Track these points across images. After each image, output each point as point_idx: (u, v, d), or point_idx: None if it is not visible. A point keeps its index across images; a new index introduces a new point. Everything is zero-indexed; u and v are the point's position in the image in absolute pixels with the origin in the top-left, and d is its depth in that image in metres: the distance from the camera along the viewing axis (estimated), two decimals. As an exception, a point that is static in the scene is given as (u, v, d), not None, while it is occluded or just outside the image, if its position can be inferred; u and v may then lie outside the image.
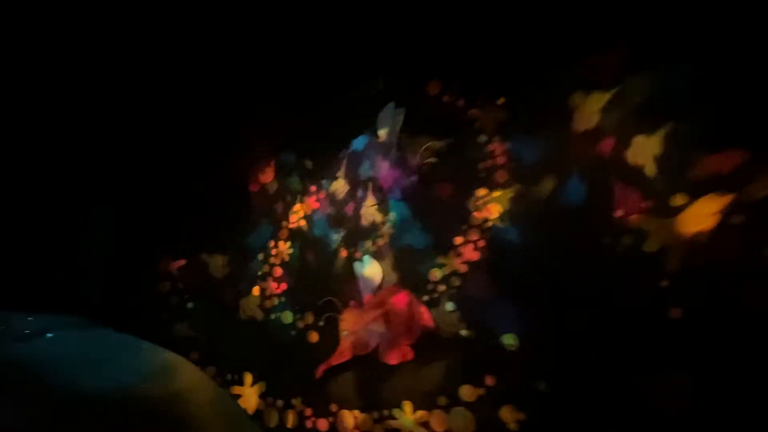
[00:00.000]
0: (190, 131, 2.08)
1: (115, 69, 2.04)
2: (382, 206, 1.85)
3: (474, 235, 1.66)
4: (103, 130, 2.11)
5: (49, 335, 0.52)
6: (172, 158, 2.13)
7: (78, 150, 2.10)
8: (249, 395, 2.04)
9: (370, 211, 1.88)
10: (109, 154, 2.12)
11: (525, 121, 1.61)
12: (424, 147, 1.74)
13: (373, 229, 1.86)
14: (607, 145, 1.54)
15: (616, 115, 1.53)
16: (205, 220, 2.09)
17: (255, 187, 2.09)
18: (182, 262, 2.11)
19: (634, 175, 1.49)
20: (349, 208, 1.90)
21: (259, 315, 2.08)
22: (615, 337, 1.47)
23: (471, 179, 1.67)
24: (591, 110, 1.52)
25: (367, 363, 1.78)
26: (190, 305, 2.12)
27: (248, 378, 2.05)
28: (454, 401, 1.64)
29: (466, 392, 1.63)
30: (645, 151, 1.48)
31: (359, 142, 1.85)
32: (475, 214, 1.66)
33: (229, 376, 2.08)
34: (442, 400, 1.66)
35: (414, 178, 1.74)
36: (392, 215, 1.80)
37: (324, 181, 1.96)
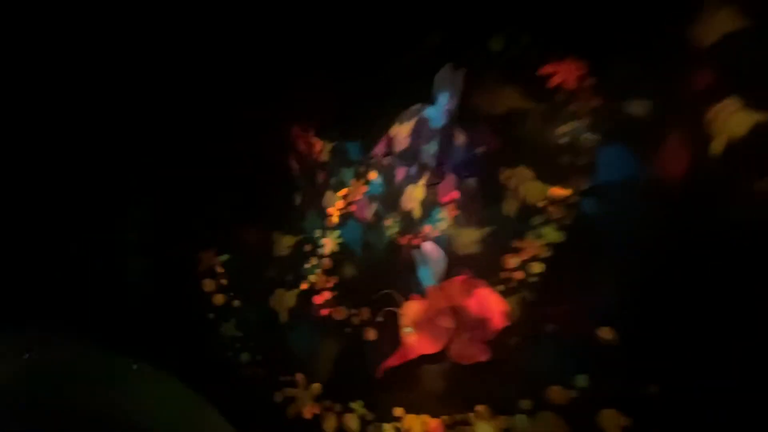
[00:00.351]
0: (224, 111, 1.90)
1: (153, 50, 1.89)
2: (435, 188, 1.63)
3: (557, 213, 1.41)
4: (135, 120, 1.97)
5: (27, 356, 0.46)
6: (205, 146, 1.98)
7: (110, 144, 1.98)
8: (304, 398, 1.88)
9: (418, 192, 1.66)
10: (141, 146, 1.99)
11: (622, 60, 1.31)
12: (491, 112, 1.49)
13: (432, 213, 1.64)
14: (702, 79, 1.24)
15: (733, 55, 1.24)
16: (248, 209, 1.92)
17: (298, 170, 1.91)
18: (225, 257, 1.97)
19: (698, 142, 1.19)
20: (400, 174, 1.65)
21: (304, 311, 1.92)
22: (744, 328, 1.20)
23: (551, 145, 1.42)
24: (717, 26, 1.20)
25: (434, 363, 1.58)
26: (236, 303, 1.98)
27: (301, 379, 1.89)
28: (541, 405, 1.42)
29: (555, 394, 1.40)
30: (728, 122, 1.18)
31: (434, 114, 1.57)
32: (557, 187, 1.41)
33: (280, 378, 1.93)
34: (526, 404, 1.44)
35: (481, 149, 1.50)
36: (454, 195, 1.58)
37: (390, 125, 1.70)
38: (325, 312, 1.89)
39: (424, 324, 1.59)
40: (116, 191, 2.02)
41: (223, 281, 1.96)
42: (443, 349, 1.56)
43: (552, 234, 1.41)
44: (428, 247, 1.62)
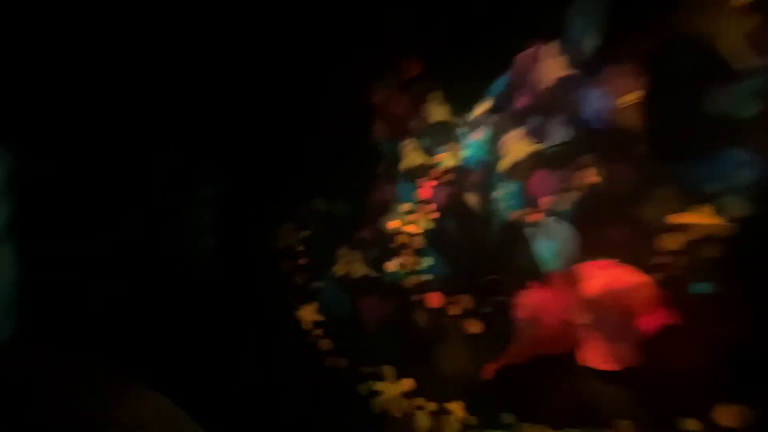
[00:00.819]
0: (300, 72, 1.67)
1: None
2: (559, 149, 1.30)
3: (745, 177, 1.05)
4: (199, 87, 1.79)
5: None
6: (281, 111, 1.76)
7: (176, 115, 1.81)
8: (392, 393, 1.67)
9: (519, 148, 1.34)
10: (209, 114, 1.81)
11: None
12: (644, 50, 1.14)
13: (559, 179, 1.33)
14: None
15: None
16: (329, 180, 1.70)
17: (386, 136, 1.65)
18: (305, 233, 1.77)
19: None
20: (519, 102, 1.31)
21: (392, 297, 1.69)
22: None
23: (729, 83, 1.05)
24: None
25: (560, 365, 1.29)
26: (316, 285, 1.78)
27: (389, 372, 1.68)
28: (709, 426, 1.10)
29: (730, 415, 1.08)
30: None
31: (593, 101, 1.19)
32: (746, 135, 1.05)
33: (365, 369, 1.73)
34: (688, 425, 1.12)
35: (629, 99, 1.15)
36: (587, 160, 1.25)
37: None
38: (416, 298, 1.65)
39: (546, 318, 1.30)
40: (183, 164, 1.86)
41: (303, 260, 1.76)
42: (572, 350, 1.27)
43: (736, 205, 1.05)
44: (551, 223, 1.31)
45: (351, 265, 1.73)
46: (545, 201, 1.36)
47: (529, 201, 1.40)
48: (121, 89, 1.76)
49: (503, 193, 1.41)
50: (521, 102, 1.31)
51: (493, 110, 1.38)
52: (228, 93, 1.83)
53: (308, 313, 1.78)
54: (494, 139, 1.38)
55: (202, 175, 1.94)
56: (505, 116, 1.35)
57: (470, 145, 1.47)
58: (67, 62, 1.65)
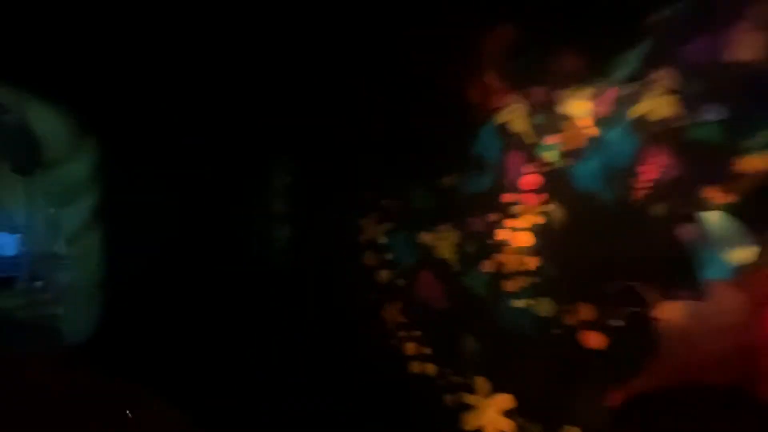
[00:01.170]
0: (386, 44, 1.49)
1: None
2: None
3: None
4: (274, 62, 1.67)
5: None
6: (363, 88, 1.59)
7: (246, 91, 1.70)
8: (486, 408, 1.48)
9: (663, 104, 1.08)
10: (283, 90, 1.68)
11: None
12: None
13: (711, 162, 1.05)
14: None
15: None
16: (418, 166, 1.51)
17: (482, 108, 1.43)
18: (390, 225, 1.60)
19: None
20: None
21: (490, 299, 1.49)
22: None
23: None
24: None
25: (720, 398, 1.02)
26: (401, 282, 1.60)
27: (483, 385, 1.48)
28: None
29: None
30: None
31: None
32: None
33: (455, 379, 1.55)
34: None
35: None
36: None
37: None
38: (519, 304, 1.43)
39: (702, 337, 1.04)
40: (256, 145, 1.75)
41: (388, 255, 1.60)
42: (740, 380, 1.00)
43: None
44: (713, 218, 1.04)
45: (439, 242, 1.54)
46: (706, 191, 1.09)
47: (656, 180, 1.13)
48: (199, 78, 1.69)
49: (643, 180, 1.14)
50: (695, 54, 1.02)
51: (653, 34, 1.08)
52: (308, 71, 1.69)
53: (392, 314, 1.62)
54: (638, 76, 1.10)
55: (279, 161, 1.84)
56: (663, 54, 1.06)
57: (604, 122, 1.22)
58: (154, 57, 1.61)
